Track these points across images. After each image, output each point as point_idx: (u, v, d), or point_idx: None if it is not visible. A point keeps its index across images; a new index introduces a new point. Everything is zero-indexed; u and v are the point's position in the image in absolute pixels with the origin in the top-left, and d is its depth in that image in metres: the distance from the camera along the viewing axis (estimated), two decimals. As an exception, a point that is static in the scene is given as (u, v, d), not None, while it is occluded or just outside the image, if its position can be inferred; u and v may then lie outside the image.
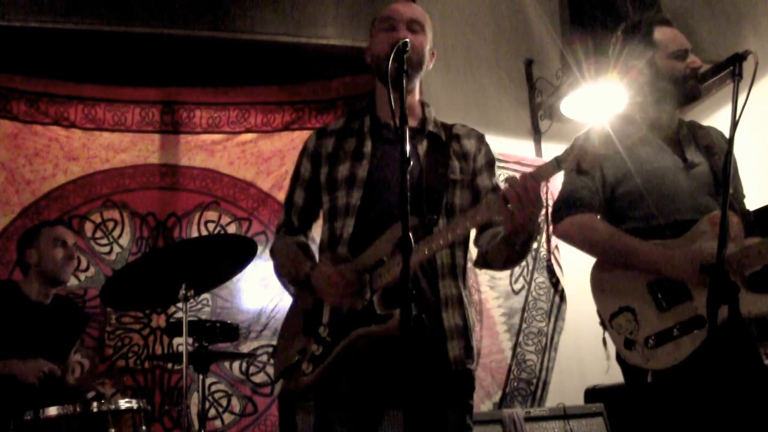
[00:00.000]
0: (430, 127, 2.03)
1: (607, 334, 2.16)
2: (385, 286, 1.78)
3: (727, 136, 1.86)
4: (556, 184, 2.45)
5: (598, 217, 2.26)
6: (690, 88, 2.25)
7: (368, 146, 1.99)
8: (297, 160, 2.13)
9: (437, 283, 1.89)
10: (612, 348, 2.15)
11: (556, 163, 1.62)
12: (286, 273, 2.04)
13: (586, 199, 2.22)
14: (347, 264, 1.86)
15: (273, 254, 2.10)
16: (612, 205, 2.24)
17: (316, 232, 2.14)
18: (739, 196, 2.33)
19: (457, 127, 2.09)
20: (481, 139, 2.10)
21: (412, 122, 2.01)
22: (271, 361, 3.89)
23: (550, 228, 4.28)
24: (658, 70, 2.27)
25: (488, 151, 2.08)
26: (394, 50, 1.63)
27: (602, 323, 2.17)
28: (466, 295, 1.95)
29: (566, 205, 2.25)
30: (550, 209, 4.21)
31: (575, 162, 1.59)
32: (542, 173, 1.64)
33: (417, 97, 2.08)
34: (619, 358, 2.14)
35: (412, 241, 1.48)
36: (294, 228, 2.11)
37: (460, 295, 1.92)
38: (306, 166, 2.09)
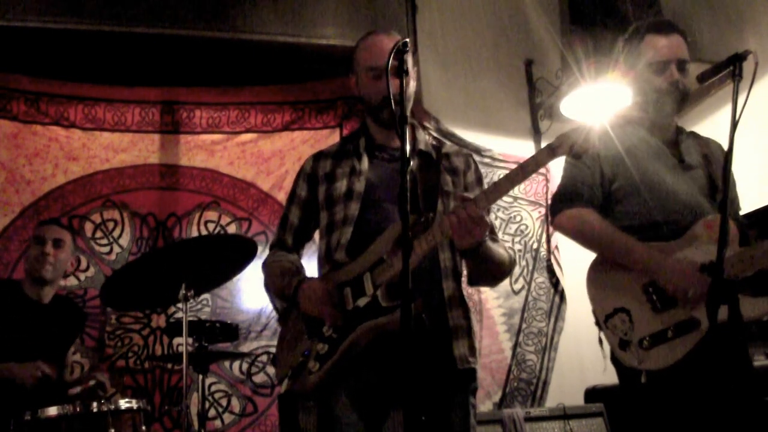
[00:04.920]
0: (421, 146, 2.09)
1: (602, 334, 2.17)
2: (388, 280, 1.82)
3: (726, 146, 1.87)
4: (556, 183, 2.45)
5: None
6: (663, 103, 2.25)
7: (365, 163, 2.05)
8: (293, 182, 2.19)
9: (441, 283, 1.94)
10: (608, 348, 2.16)
11: (550, 150, 1.67)
12: (274, 287, 2.09)
13: (583, 192, 2.23)
14: (334, 276, 1.94)
15: (264, 268, 2.14)
16: (608, 200, 2.25)
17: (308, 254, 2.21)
18: (735, 204, 2.34)
19: (447, 146, 2.17)
20: (468, 157, 2.17)
21: None
22: (270, 364, 3.90)
23: (550, 228, 4.29)
24: (637, 81, 2.30)
25: (476, 169, 2.15)
26: (394, 50, 1.65)
27: (597, 323, 2.19)
28: (466, 298, 2.01)
29: (564, 198, 2.27)
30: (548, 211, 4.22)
31: (569, 146, 1.63)
32: (537, 161, 1.71)
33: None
34: (614, 359, 2.15)
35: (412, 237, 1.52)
36: (287, 246, 2.15)
37: (462, 296, 1.99)
38: (303, 186, 2.14)
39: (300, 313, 2.02)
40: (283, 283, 2.02)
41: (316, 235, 2.17)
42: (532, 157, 1.73)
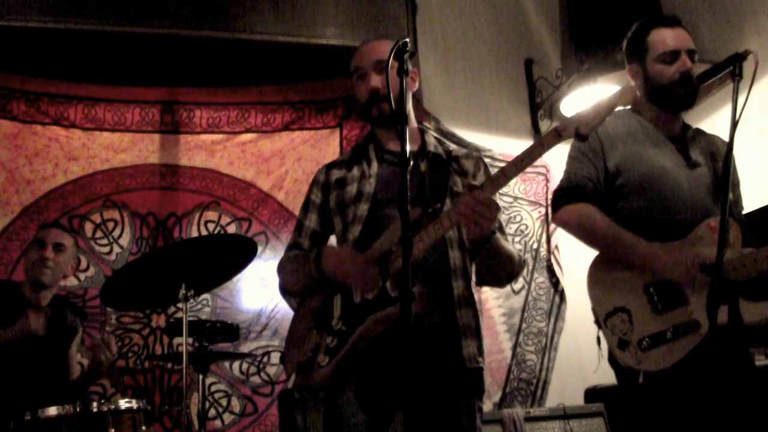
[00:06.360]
0: (431, 148, 2.10)
1: (601, 333, 2.16)
2: (397, 271, 1.81)
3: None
4: (556, 183, 2.44)
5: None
6: (677, 95, 2.22)
7: (374, 167, 2.08)
8: (307, 191, 2.21)
9: (451, 282, 1.94)
10: (605, 347, 2.15)
11: (556, 133, 1.69)
12: (293, 277, 2.08)
13: (586, 188, 2.21)
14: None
15: (280, 268, 2.15)
16: (611, 196, 2.22)
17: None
18: (738, 204, 2.32)
19: (456, 150, 2.18)
20: (479, 160, 2.16)
21: (413, 147, 2.08)
22: (274, 362, 3.90)
23: (550, 228, 4.29)
24: (647, 75, 2.27)
25: (486, 170, 2.14)
26: (394, 50, 1.64)
27: (597, 322, 2.17)
28: (475, 298, 2.01)
29: (567, 193, 2.24)
30: (549, 206, 4.22)
31: (574, 128, 1.67)
32: (543, 145, 1.72)
33: (414, 124, 2.16)
34: (611, 358, 2.14)
35: (418, 226, 1.57)
36: (303, 249, 2.15)
37: (472, 296, 1.99)
38: (317, 193, 2.17)
39: (306, 311, 2.02)
40: (300, 263, 2.03)
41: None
42: (538, 140, 1.73)
